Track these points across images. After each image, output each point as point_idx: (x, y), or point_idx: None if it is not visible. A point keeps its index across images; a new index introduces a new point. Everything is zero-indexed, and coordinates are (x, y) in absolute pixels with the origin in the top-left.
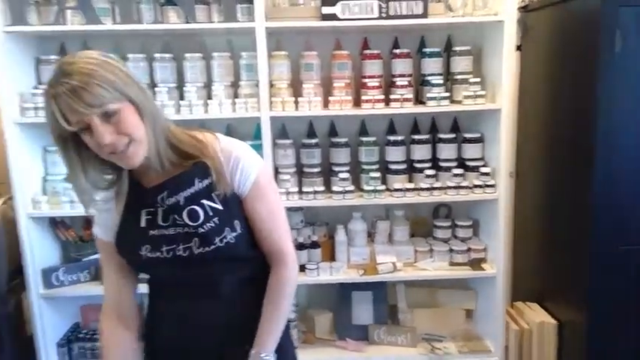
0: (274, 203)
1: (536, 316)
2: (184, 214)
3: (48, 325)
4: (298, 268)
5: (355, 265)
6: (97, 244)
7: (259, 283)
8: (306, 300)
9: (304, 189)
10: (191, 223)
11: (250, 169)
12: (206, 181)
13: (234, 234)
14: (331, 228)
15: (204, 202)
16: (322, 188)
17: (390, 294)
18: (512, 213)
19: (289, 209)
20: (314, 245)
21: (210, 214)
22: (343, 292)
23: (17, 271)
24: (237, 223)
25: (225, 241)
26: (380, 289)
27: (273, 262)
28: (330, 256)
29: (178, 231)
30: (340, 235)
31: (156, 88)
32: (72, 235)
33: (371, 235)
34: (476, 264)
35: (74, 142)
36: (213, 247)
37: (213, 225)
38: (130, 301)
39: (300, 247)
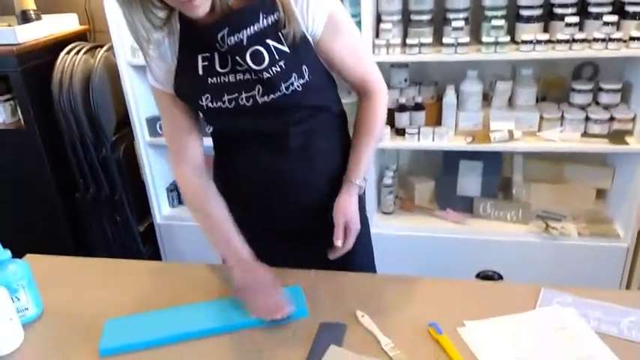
0: (354, 37)
1: None
2: (247, 56)
3: (157, 172)
4: (396, 128)
5: (464, 131)
6: (154, 95)
7: (329, 134)
8: (408, 165)
9: (408, 41)
10: (254, 67)
11: (322, 5)
12: (272, 18)
13: (301, 81)
14: (440, 89)
15: (270, 42)
16: (430, 40)
17: (505, 166)
18: None
19: (391, 65)
20: (417, 107)
21: (276, 56)
22: (450, 160)
23: (126, 120)
24: (305, 69)
25: (291, 88)
26: (494, 160)
27: (362, 93)
28: (437, 121)
29: (239, 77)
30: (449, 97)
31: None
32: None
33: (487, 99)
34: (618, 136)
35: None
36: (278, 94)
37: (278, 69)
38: (200, 147)
39: (401, 108)
